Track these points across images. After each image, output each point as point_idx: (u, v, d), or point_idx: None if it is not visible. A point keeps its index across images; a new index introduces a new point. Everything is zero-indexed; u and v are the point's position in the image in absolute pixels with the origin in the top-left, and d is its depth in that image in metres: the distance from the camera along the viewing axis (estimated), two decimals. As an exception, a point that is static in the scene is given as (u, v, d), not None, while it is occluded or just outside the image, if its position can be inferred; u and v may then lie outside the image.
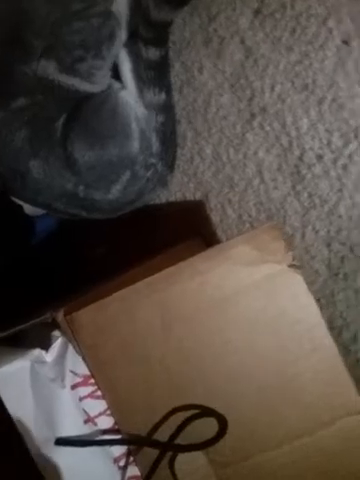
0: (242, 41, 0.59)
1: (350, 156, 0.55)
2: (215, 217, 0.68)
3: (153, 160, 0.62)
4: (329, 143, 0.55)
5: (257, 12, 0.57)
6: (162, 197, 0.72)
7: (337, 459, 0.47)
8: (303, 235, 0.59)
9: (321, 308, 0.59)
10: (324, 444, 0.47)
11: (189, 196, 0.70)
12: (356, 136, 0.54)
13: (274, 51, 0.57)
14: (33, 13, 0.50)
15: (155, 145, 0.62)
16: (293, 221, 0.60)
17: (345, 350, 0.60)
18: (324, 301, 0.60)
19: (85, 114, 0.57)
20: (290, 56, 0.56)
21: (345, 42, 0.52)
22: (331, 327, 0.61)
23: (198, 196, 0.69)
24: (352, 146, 0.54)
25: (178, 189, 0.70)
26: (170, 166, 0.68)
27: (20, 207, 0.67)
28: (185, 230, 0.70)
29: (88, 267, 0.75)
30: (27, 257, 0.73)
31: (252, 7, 0.57)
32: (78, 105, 0.57)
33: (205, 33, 0.62)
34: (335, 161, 0.55)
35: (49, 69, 0.52)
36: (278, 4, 0.55)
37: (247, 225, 0.64)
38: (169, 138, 0.66)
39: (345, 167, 0.55)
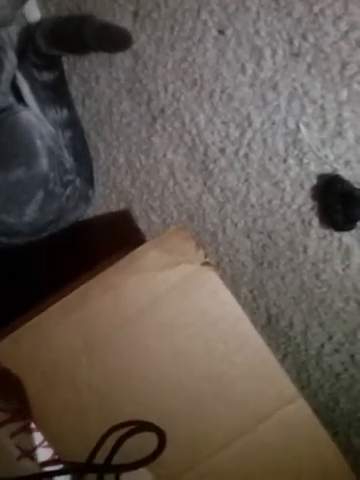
0: (129, 46, 0.59)
1: (249, 145, 0.53)
2: (142, 225, 0.67)
3: (70, 177, 0.61)
4: (227, 135, 0.54)
5: (135, 14, 0.55)
6: (89, 213, 0.71)
7: (282, 449, 0.47)
8: (224, 230, 0.59)
9: (254, 299, 0.59)
10: (266, 438, 0.47)
11: (113, 208, 0.69)
12: (250, 124, 0.52)
13: (159, 51, 0.55)
14: None
15: (68, 161, 0.61)
16: (212, 218, 0.59)
17: (285, 337, 0.59)
18: (256, 292, 0.59)
19: None
20: (175, 54, 0.54)
21: (221, 32, 0.51)
22: (268, 316, 0.60)
23: (122, 206, 0.68)
24: (248, 134, 0.53)
25: (102, 202, 0.69)
26: (89, 181, 0.67)
27: None
28: (115, 243, 0.69)
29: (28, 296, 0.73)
30: None
31: (130, 10, 0.55)
32: None
33: (94, 43, 0.61)
34: (237, 152, 0.54)
35: None
36: (153, 3, 0.53)
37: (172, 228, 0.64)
38: (81, 153, 0.65)
39: (246, 156, 0.54)
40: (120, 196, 0.67)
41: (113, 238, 0.71)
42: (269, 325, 0.60)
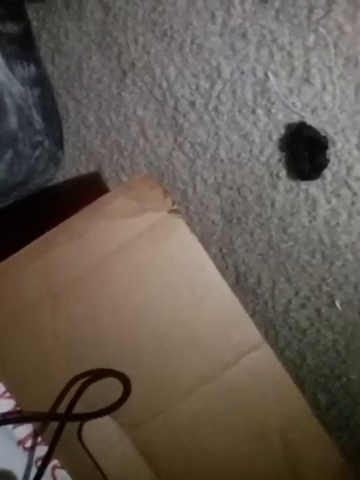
0: (99, -2, 0.58)
1: (218, 97, 0.53)
2: (112, 187, 0.66)
3: (39, 138, 0.60)
4: (198, 87, 0.54)
5: (106, -35, 0.55)
6: (59, 177, 0.70)
7: (247, 396, 0.47)
8: (194, 187, 0.58)
9: (224, 258, 0.59)
10: (232, 384, 0.47)
11: (83, 170, 0.68)
12: (219, 75, 0.53)
13: (129, 2, 0.55)
14: None
15: (37, 122, 0.60)
16: (182, 175, 0.59)
17: (253, 295, 0.59)
18: (226, 250, 0.59)
19: None
20: (144, 4, 0.54)
21: (191, -21, 0.51)
22: (236, 275, 0.61)
23: (92, 168, 0.67)
24: (218, 86, 0.53)
25: (72, 165, 0.68)
26: (58, 142, 0.66)
27: None
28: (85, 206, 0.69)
29: None
30: None
31: None
32: None
33: (63, -4, 0.60)
34: (206, 105, 0.54)
35: None
36: None
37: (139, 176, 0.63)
38: (51, 112, 0.64)
39: (216, 109, 0.54)
40: (90, 157, 0.66)
41: (83, 202, 0.70)
42: (238, 284, 0.60)
